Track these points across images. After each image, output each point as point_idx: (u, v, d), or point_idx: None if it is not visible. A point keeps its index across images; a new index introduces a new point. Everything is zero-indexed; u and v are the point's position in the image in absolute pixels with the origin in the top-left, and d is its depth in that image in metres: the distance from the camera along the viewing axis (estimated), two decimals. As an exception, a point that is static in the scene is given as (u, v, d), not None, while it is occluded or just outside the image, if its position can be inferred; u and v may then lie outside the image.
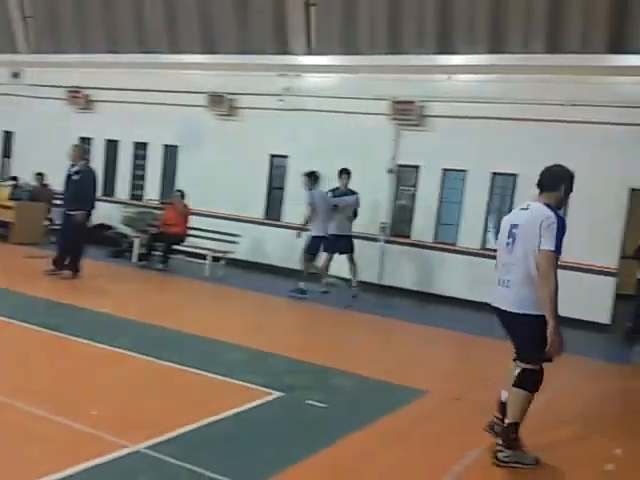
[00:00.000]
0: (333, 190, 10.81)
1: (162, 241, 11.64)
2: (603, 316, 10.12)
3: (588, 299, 10.16)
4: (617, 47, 10.05)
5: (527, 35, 10.63)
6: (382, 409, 5.13)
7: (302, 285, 10.29)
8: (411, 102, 11.35)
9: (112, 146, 14.83)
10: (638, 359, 8.33)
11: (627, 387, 7.32)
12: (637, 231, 10.04)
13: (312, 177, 10.45)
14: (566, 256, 10.98)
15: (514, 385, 4.34)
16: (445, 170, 11.41)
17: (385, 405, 5.26)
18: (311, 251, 10.47)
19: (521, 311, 4.28)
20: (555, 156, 10.66)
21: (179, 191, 12.16)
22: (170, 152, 14.23)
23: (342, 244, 10.68)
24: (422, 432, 4.83)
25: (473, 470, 4.18)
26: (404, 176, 11.88)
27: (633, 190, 10.01)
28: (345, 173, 10.73)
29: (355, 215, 10.76)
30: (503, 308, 4.40)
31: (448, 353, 8.36)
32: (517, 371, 4.36)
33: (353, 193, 10.75)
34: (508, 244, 4.38)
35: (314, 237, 10.43)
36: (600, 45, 10.15)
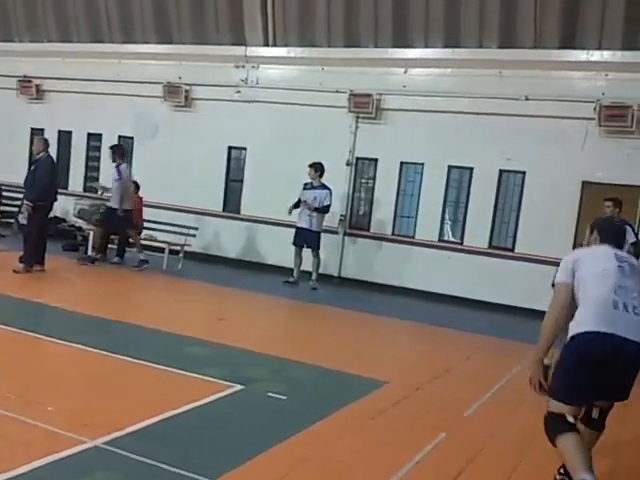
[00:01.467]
0: (305, 184, 10.87)
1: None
2: (556, 306, 10.33)
3: (544, 290, 10.35)
4: (569, 42, 10.27)
5: (482, 30, 10.78)
6: (343, 400, 5.15)
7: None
8: (369, 95, 11.40)
9: (65, 137, 14.48)
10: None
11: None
12: (589, 223, 10.26)
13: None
14: (523, 248, 11.29)
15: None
16: (403, 163, 11.50)
17: (346, 396, 5.28)
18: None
19: None
20: (510, 150, 10.97)
21: (133, 182, 11.94)
22: (125, 143, 13.95)
23: (307, 238, 10.77)
24: (383, 422, 4.87)
25: (433, 458, 4.23)
26: (363, 169, 11.94)
27: (584, 183, 10.25)
28: (309, 167, 10.78)
29: (323, 210, 10.81)
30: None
31: (408, 344, 8.44)
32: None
33: (325, 188, 10.81)
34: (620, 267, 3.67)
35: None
36: (553, 40, 10.36)
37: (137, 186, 11.78)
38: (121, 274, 10.83)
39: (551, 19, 10.31)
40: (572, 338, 3.54)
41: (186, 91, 13.04)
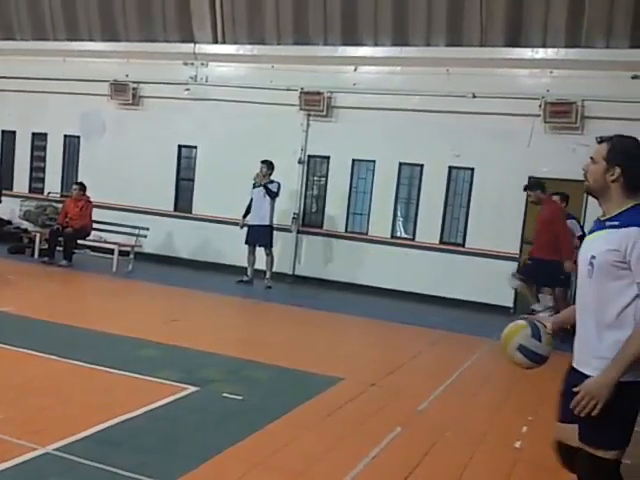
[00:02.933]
0: (254, 183, 10.90)
1: (64, 236, 11.17)
2: (507, 299, 10.58)
3: (493, 284, 10.60)
4: (514, 41, 10.50)
5: (429, 28, 10.93)
6: (299, 398, 5.16)
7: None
8: (319, 93, 11.42)
9: (9, 137, 14.09)
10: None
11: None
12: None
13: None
14: (473, 243, 11.50)
15: None
16: (355, 160, 11.56)
17: (302, 394, 5.29)
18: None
19: None
20: (459, 146, 11.15)
21: (78, 184, 11.70)
22: (71, 143, 13.68)
23: (259, 235, 10.76)
24: (339, 418, 4.89)
25: (389, 452, 4.28)
26: (315, 167, 11.96)
27: (531, 178, 10.47)
28: (262, 163, 10.72)
29: (272, 194, 10.71)
30: None
31: (362, 340, 8.50)
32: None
33: (274, 182, 10.78)
34: None
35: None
36: (498, 39, 10.57)
37: (83, 187, 11.54)
38: (70, 277, 10.59)
39: (497, 18, 10.52)
40: None
41: (134, 89, 12.83)
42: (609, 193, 2.78)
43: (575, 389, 2.71)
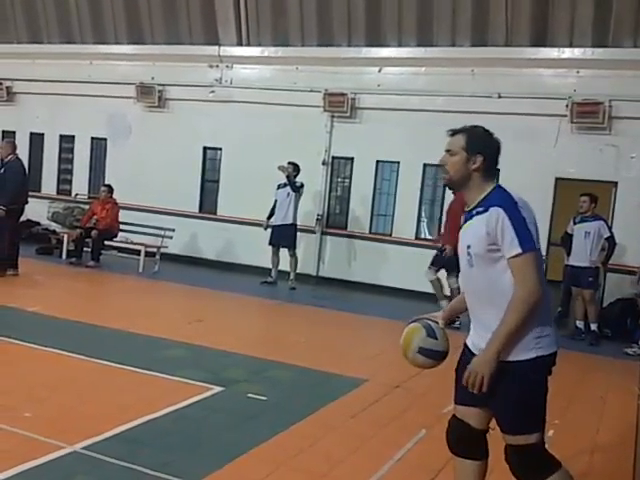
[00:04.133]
0: (279, 185, 10.97)
1: (92, 237, 11.31)
2: (532, 301, 10.44)
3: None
4: (540, 40, 10.39)
5: (454, 29, 10.86)
6: (322, 399, 5.16)
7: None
8: (343, 94, 11.41)
9: (37, 139, 14.30)
10: (567, 343, 8.66)
11: (557, 368, 7.60)
12: (563, 219, 10.41)
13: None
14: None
15: None
16: (379, 162, 11.54)
17: (325, 395, 5.29)
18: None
19: None
20: (484, 147, 10.94)
21: (106, 186, 11.85)
22: (98, 145, 13.85)
23: (283, 235, 10.82)
24: (362, 420, 4.88)
25: (414, 455, 4.26)
26: (339, 168, 11.96)
27: (558, 179, 10.38)
28: (288, 164, 10.74)
29: (296, 188, 10.73)
30: None
31: (386, 341, 8.44)
32: None
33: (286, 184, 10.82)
34: None
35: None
36: (524, 38, 10.47)
37: (111, 190, 11.68)
38: (97, 277, 10.72)
39: (522, 17, 10.42)
40: None
41: (159, 91, 12.94)
42: (470, 182, 2.93)
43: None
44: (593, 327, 8.75)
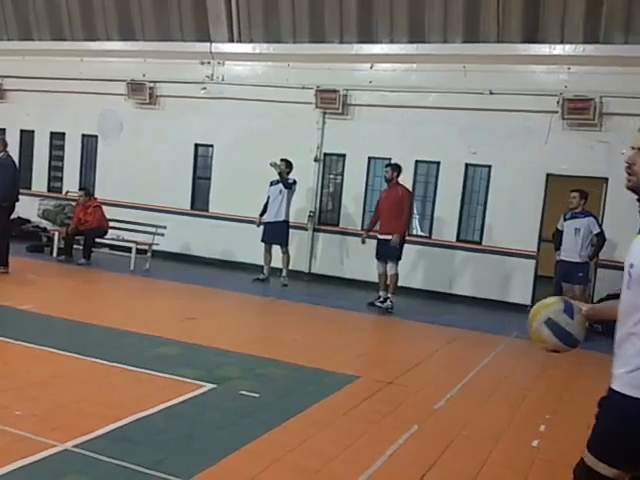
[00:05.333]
0: (271, 181, 10.97)
1: (83, 234, 11.29)
2: (525, 297, 10.52)
3: (511, 281, 10.57)
4: (532, 37, 10.42)
5: (445, 25, 10.87)
6: (315, 396, 5.17)
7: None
8: (335, 91, 11.41)
9: (28, 137, 14.23)
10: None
11: (549, 364, 7.64)
12: (554, 215, 10.45)
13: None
14: (490, 241, 11.45)
15: None
16: (371, 158, 11.54)
17: (318, 392, 5.30)
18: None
19: None
20: (475, 144, 11.09)
21: (82, 189, 11.88)
22: (89, 142, 13.79)
23: (275, 232, 10.84)
24: (355, 416, 4.89)
25: (406, 451, 4.27)
26: (331, 165, 11.96)
27: (549, 175, 10.41)
28: (281, 161, 10.75)
29: (288, 185, 10.78)
30: None
31: (378, 338, 8.49)
32: None
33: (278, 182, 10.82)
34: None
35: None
36: (516, 35, 10.49)
37: (89, 193, 11.71)
38: (88, 275, 10.69)
39: (514, 14, 10.43)
40: None
41: (150, 88, 12.90)
42: None
43: None
44: (584, 323, 8.78)
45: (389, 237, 9.46)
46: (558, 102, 10.02)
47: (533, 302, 10.49)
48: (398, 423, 4.79)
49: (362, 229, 11.60)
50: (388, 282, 9.62)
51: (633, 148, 2.34)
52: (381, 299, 9.66)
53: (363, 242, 9.89)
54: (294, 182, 10.81)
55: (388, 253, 9.53)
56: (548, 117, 10.24)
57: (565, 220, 9.16)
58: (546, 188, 10.44)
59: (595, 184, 10.12)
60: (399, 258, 9.57)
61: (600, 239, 8.90)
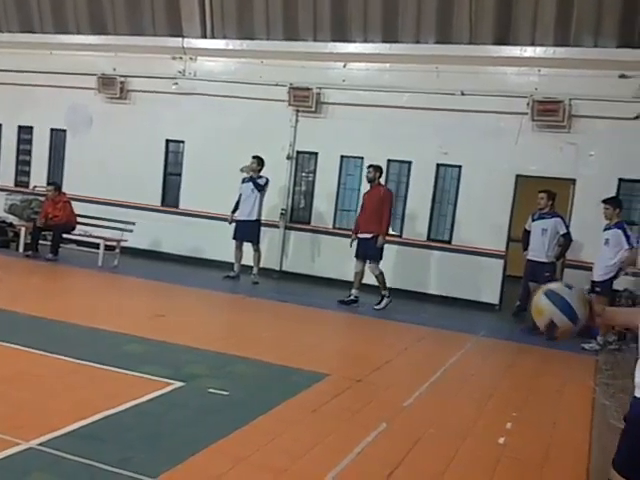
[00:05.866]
0: (243, 179, 10.90)
1: (50, 230, 11.12)
2: (493, 296, 10.64)
3: (480, 281, 10.68)
4: (503, 39, 10.53)
5: (419, 25, 10.93)
6: (284, 394, 5.16)
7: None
8: (308, 89, 11.40)
9: (-6, 130, 13.98)
10: (525, 337, 8.82)
11: (516, 362, 7.75)
12: (523, 215, 10.59)
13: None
14: (460, 240, 11.55)
15: None
16: (343, 157, 11.56)
17: (287, 390, 5.29)
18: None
19: None
20: (447, 144, 11.17)
21: (51, 184, 11.71)
22: (58, 136, 13.59)
23: (247, 230, 10.76)
24: (324, 414, 4.90)
25: (374, 448, 4.29)
26: (303, 162, 11.95)
27: (518, 176, 10.54)
28: (252, 159, 10.71)
29: (260, 187, 10.73)
30: None
31: (349, 336, 8.51)
32: None
33: (262, 177, 10.77)
34: None
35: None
36: (487, 36, 10.59)
37: (58, 187, 11.52)
38: (55, 271, 10.53)
39: (486, 15, 10.53)
40: None
41: (121, 83, 12.75)
42: None
43: None
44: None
45: (368, 236, 9.56)
46: (528, 104, 10.14)
47: (501, 302, 10.64)
48: (367, 421, 4.80)
49: (334, 227, 11.66)
50: (365, 281, 9.81)
51: None
52: (352, 297, 9.69)
53: (351, 245, 9.90)
54: (266, 183, 10.77)
55: (368, 252, 9.64)
56: (518, 118, 10.36)
57: (533, 220, 9.30)
58: (515, 188, 10.56)
59: (563, 185, 10.27)
60: (380, 258, 9.69)
61: (566, 240, 9.04)
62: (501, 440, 4.72)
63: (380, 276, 9.71)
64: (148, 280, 10.34)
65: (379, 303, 9.68)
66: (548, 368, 7.48)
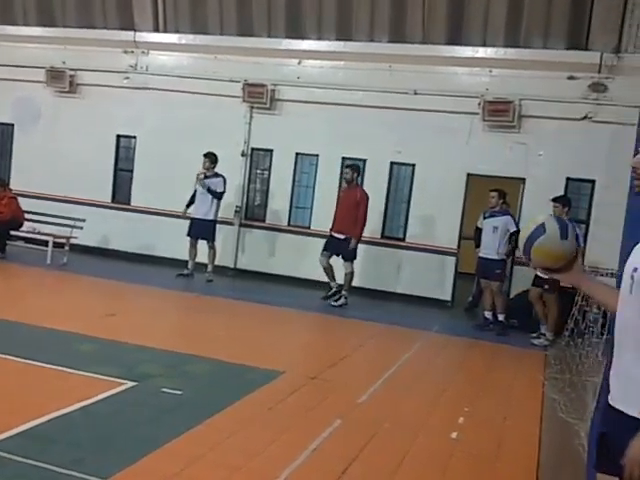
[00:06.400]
0: (198, 175, 10.72)
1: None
2: (445, 293, 10.80)
3: (432, 278, 10.81)
4: (455, 39, 10.67)
5: (373, 24, 10.99)
6: (239, 392, 5.13)
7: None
8: (263, 85, 11.35)
9: (-64, 124, 13.49)
10: (476, 333, 8.98)
11: (468, 357, 7.88)
12: (474, 213, 10.77)
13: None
14: (413, 238, 11.66)
15: None
16: (298, 154, 11.55)
17: (242, 388, 5.27)
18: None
19: None
20: (401, 142, 11.26)
21: None
22: (5, 131, 13.20)
23: (202, 229, 10.63)
24: (280, 411, 4.89)
25: (329, 445, 4.30)
26: (258, 160, 11.89)
27: (469, 175, 10.70)
28: (204, 157, 10.59)
29: (217, 196, 10.61)
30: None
31: (304, 333, 8.51)
32: None
33: (218, 176, 10.64)
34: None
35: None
36: (440, 36, 10.72)
37: (3, 183, 11.21)
38: (1, 269, 10.24)
39: (438, 15, 10.65)
40: None
41: (71, 76, 12.46)
42: None
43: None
44: (500, 317, 9.11)
45: (341, 236, 9.68)
46: (479, 104, 10.30)
47: (453, 298, 10.80)
48: (322, 417, 4.82)
49: (289, 225, 11.64)
50: (339, 277, 9.89)
51: (638, 151, 2.23)
52: (334, 290, 9.85)
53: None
54: (224, 185, 10.64)
55: (342, 252, 9.76)
56: (470, 118, 10.51)
57: (484, 219, 9.46)
58: (467, 187, 10.72)
59: (513, 184, 10.48)
60: (354, 257, 9.82)
61: (516, 237, 9.22)
62: (454, 435, 4.80)
63: (349, 275, 9.83)
64: (98, 278, 10.13)
65: (335, 295, 9.73)
66: (499, 363, 7.64)
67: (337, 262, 9.98)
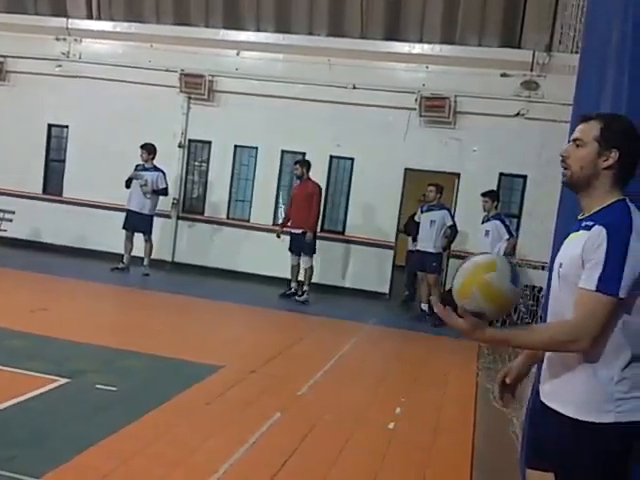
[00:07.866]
0: (136, 166, 10.46)
1: None
2: (383, 286, 10.93)
3: (371, 271, 10.93)
4: (393, 35, 10.78)
5: (311, 17, 10.99)
6: (177, 387, 5.07)
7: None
8: (201, 76, 11.19)
9: None
10: (413, 324, 9.14)
11: (404, 349, 8.01)
12: (411, 207, 10.95)
13: None
14: (352, 231, 11.74)
15: None
16: (237, 146, 11.46)
17: (179, 383, 5.20)
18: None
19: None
20: (340, 136, 11.32)
21: None
22: None
23: (139, 222, 10.42)
24: (218, 406, 4.86)
25: (268, 438, 4.30)
26: (196, 151, 11.74)
27: (407, 170, 10.86)
28: (141, 149, 10.36)
29: (161, 193, 10.49)
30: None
31: (242, 327, 8.47)
32: None
33: (157, 170, 10.43)
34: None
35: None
36: (378, 32, 10.81)
37: None
38: None
39: (376, 11, 10.74)
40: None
41: (0, 63, 11.98)
42: (595, 184, 2.24)
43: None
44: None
45: (298, 231, 9.68)
46: (416, 99, 10.45)
47: (391, 291, 10.95)
48: (261, 411, 4.81)
49: (228, 218, 11.54)
50: (301, 277, 9.93)
51: (569, 141, 2.30)
52: (292, 290, 9.88)
53: (278, 236, 9.95)
54: (165, 179, 10.45)
55: (302, 248, 9.78)
56: (407, 113, 10.65)
57: (422, 212, 9.63)
58: (404, 182, 10.87)
59: (449, 179, 10.68)
60: (313, 252, 9.85)
61: (453, 231, 9.42)
62: (391, 425, 4.87)
63: (309, 270, 9.87)
64: (29, 272, 9.79)
65: (297, 294, 9.84)
66: (434, 354, 7.79)
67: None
